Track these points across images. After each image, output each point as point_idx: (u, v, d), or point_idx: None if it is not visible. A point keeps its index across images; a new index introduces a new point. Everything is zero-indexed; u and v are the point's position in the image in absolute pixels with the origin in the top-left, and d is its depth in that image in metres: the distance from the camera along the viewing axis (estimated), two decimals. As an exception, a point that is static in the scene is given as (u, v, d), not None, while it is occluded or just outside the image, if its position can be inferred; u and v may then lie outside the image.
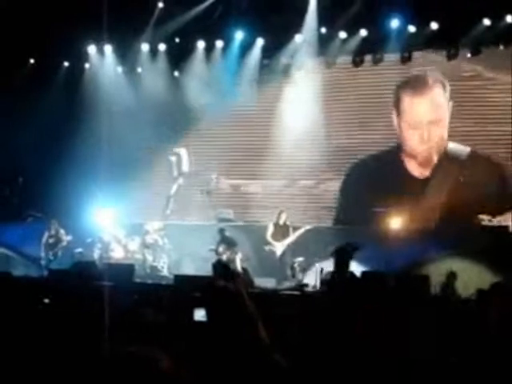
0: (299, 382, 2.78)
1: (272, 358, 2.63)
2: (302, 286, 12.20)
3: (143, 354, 1.72)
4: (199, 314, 4.52)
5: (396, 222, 13.64)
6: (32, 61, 17.69)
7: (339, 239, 12.02)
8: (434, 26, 14.57)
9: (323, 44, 15.82)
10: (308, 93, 16.22)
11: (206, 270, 12.11)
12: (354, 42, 15.62)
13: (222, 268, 10.53)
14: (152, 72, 17.45)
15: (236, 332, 2.68)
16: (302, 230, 14.09)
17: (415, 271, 12.42)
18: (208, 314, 2.93)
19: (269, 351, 2.65)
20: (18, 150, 16.22)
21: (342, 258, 7.45)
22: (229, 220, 16.01)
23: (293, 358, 2.73)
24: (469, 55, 14.71)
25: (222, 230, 14.43)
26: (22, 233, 15.95)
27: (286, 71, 16.50)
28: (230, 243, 14.02)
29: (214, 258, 12.60)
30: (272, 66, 16.59)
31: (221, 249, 13.62)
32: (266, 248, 14.20)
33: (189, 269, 15.04)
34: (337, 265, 7.52)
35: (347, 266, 7.52)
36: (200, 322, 4.33)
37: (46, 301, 5.77)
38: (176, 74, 17.28)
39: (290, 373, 2.64)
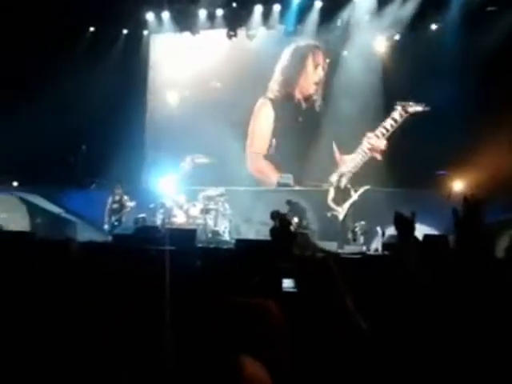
0: (382, 347, 2.80)
1: (357, 324, 2.66)
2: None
3: (257, 301, 2.06)
4: (287, 284, 4.56)
5: (458, 185, 13.44)
6: (92, 29, 17.91)
7: (400, 202, 11.94)
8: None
9: (381, 4, 15.54)
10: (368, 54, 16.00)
11: (265, 234, 12.22)
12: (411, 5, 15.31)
13: (280, 231, 10.57)
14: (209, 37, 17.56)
15: (324, 299, 2.73)
16: (361, 190, 14.06)
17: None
18: (298, 283, 2.97)
19: (355, 318, 2.69)
20: (80, 118, 16.45)
21: (404, 227, 7.16)
22: (289, 185, 16.03)
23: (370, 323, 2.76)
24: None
25: (289, 202, 14.56)
26: (87, 199, 16.25)
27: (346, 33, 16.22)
28: (299, 212, 14.27)
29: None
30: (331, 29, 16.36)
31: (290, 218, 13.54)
32: (329, 214, 14.20)
33: (249, 233, 15.21)
34: (400, 234, 7.23)
35: (411, 234, 7.26)
36: (288, 292, 4.39)
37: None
38: (234, 39, 17.22)
39: (374, 339, 2.67)
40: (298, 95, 17.14)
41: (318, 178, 16.13)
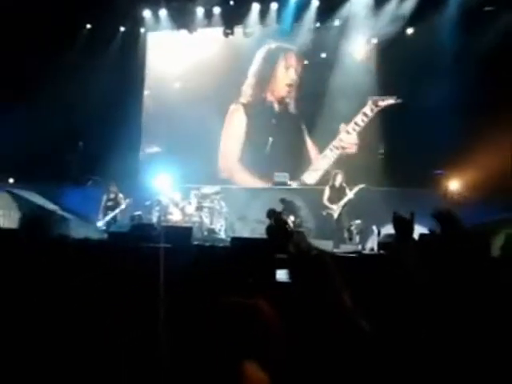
0: (382, 345, 2.79)
1: (355, 321, 2.65)
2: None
3: (251, 302, 2.10)
4: (281, 275, 4.58)
5: (454, 185, 13.46)
6: (88, 26, 17.88)
7: (396, 201, 11.92)
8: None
9: (378, 5, 15.54)
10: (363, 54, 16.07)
11: (261, 233, 12.22)
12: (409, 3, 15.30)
13: (276, 230, 10.56)
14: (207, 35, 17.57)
15: (320, 295, 2.71)
16: (356, 189, 14.04)
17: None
18: (292, 276, 2.97)
19: (352, 315, 2.68)
20: (77, 116, 16.43)
21: (403, 228, 7.05)
22: (285, 183, 16.01)
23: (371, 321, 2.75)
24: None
25: (283, 200, 14.57)
26: (83, 196, 16.14)
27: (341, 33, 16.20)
28: (293, 210, 14.25)
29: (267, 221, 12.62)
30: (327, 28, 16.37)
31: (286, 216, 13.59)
32: (324, 212, 14.21)
33: (244, 231, 15.20)
34: (399, 235, 7.13)
35: (409, 235, 7.18)
36: (281, 283, 4.40)
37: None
38: (231, 37, 17.23)
39: (373, 337, 2.66)
40: (270, 97, 17.27)
41: (294, 177, 16.38)
